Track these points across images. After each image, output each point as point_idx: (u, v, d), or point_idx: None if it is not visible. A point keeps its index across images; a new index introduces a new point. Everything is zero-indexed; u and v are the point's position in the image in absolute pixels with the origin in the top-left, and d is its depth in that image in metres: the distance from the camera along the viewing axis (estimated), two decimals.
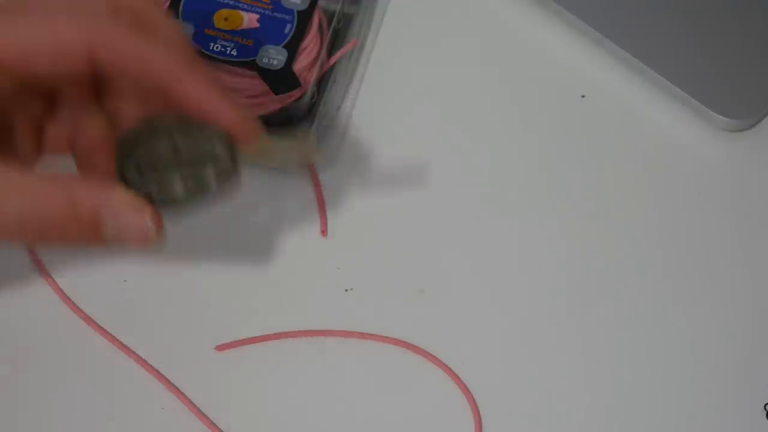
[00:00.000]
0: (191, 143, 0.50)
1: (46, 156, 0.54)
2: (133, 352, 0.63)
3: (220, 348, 0.63)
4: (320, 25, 0.69)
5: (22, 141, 0.53)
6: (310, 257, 0.66)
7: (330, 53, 0.70)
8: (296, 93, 0.67)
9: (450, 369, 0.63)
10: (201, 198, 0.50)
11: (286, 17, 0.68)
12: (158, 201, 0.49)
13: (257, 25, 0.68)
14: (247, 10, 0.69)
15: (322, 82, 0.69)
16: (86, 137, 0.54)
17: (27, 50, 0.49)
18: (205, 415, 0.61)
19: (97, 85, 0.53)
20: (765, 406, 0.62)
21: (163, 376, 0.62)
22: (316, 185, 0.68)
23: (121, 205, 0.49)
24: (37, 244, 0.50)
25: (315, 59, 0.68)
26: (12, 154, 0.53)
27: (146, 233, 0.50)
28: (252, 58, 0.67)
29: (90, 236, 0.49)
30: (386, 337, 0.64)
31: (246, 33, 0.68)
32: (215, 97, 0.51)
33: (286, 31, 0.68)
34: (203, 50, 0.67)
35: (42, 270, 0.65)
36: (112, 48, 0.49)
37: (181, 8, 0.68)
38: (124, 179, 0.49)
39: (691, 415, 0.62)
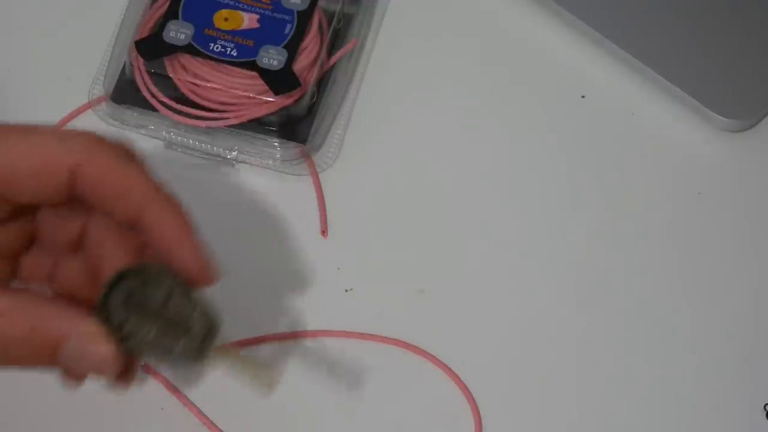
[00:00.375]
0: (180, 305, 0.50)
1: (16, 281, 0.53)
2: None
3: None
4: (320, 25, 0.69)
5: None
6: (310, 257, 0.66)
7: (330, 53, 0.70)
8: (296, 93, 0.67)
9: (450, 369, 0.63)
10: (160, 357, 0.50)
11: (286, 17, 0.68)
12: (125, 334, 0.49)
13: (257, 25, 0.68)
14: (247, 10, 0.69)
15: (322, 82, 0.69)
16: (64, 277, 0.53)
17: (12, 166, 0.49)
18: (205, 416, 0.61)
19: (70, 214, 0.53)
20: (765, 406, 0.62)
21: (163, 376, 0.62)
22: (316, 185, 0.68)
23: (86, 336, 0.48)
24: None
25: (315, 59, 0.68)
26: None
27: (103, 364, 0.49)
28: (252, 58, 0.67)
29: (45, 360, 0.49)
30: (386, 337, 0.64)
31: (246, 33, 0.68)
32: (184, 236, 0.51)
33: (286, 31, 0.68)
34: (203, 50, 0.67)
35: None
36: (96, 170, 0.49)
37: (181, 8, 0.68)
38: (106, 298, 0.49)
39: (691, 414, 0.62)
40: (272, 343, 0.63)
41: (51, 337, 0.48)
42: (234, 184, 0.68)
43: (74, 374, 0.50)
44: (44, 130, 0.50)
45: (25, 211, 0.52)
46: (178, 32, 0.67)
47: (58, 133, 0.50)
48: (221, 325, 0.50)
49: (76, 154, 0.49)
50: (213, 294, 0.65)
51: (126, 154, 0.50)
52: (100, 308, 0.49)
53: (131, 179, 0.50)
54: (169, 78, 0.67)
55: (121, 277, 0.49)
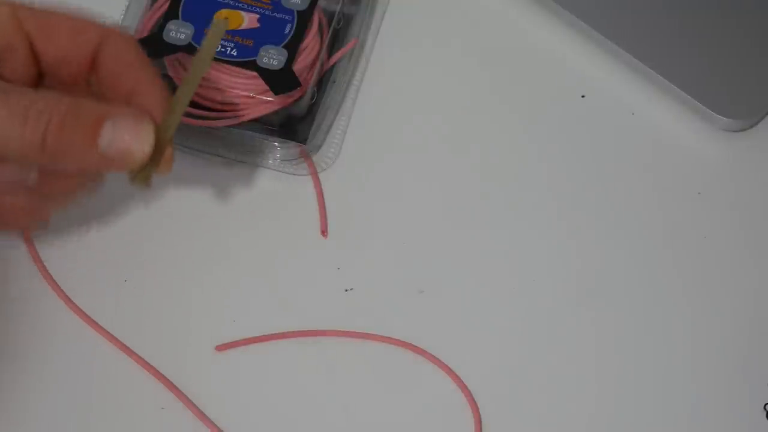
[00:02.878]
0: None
1: None
2: (133, 352, 0.63)
3: (220, 348, 0.63)
4: (320, 25, 0.69)
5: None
6: (310, 257, 0.66)
7: (330, 53, 0.70)
8: (296, 93, 0.67)
9: (450, 369, 0.63)
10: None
11: (286, 17, 0.68)
12: None
13: (257, 25, 0.68)
14: (247, 10, 0.69)
15: (322, 82, 0.69)
16: None
17: (54, 21, 0.57)
18: (205, 415, 0.61)
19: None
20: (765, 406, 0.62)
21: (163, 376, 0.62)
22: (316, 185, 0.68)
23: (128, 113, 0.55)
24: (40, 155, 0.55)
25: (315, 59, 0.68)
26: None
27: (135, 150, 0.55)
28: (252, 58, 0.67)
29: (87, 142, 0.54)
30: (386, 337, 0.64)
31: (246, 33, 0.68)
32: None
33: (286, 31, 0.68)
34: None
35: (42, 270, 0.65)
36: (116, 48, 0.57)
37: (181, 8, 0.68)
38: None
39: (691, 414, 0.62)
40: (272, 343, 0.63)
41: (96, 112, 0.54)
42: (234, 184, 0.68)
43: (110, 158, 0.54)
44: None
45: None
46: (178, 32, 0.67)
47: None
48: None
49: (104, 29, 0.57)
50: (213, 294, 0.65)
51: (135, 44, 0.58)
52: None
53: (142, 64, 0.57)
54: (169, 78, 0.67)
55: None
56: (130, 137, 0.54)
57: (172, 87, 0.67)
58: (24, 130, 0.53)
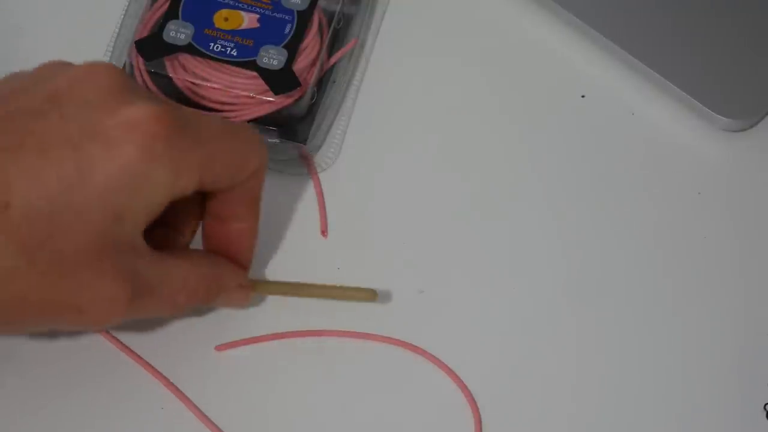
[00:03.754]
0: None
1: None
2: (133, 352, 0.63)
3: (220, 348, 0.63)
4: (320, 25, 0.69)
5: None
6: (310, 257, 0.66)
7: (330, 53, 0.70)
8: (296, 93, 0.67)
9: (450, 369, 0.63)
10: None
11: (286, 17, 0.68)
12: None
13: (257, 25, 0.68)
14: (247, 10, 0.69)
15: (322, 82, 0.69)
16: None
17: (223, 159, 0.58)
18: (205, 415, 0.61)
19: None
20: (765, 406, 0.62)
21: (163, 376, 0.62)
22: (316, 185, 0.68)
23: (241, 288, 0.62)
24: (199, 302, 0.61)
25: (315, 59, 0.68)
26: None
27: (243, 304, 0.63)
28: (252, 58, 0.67)
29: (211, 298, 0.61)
30: (386, 337, 0.64)
31: (246, 33, 0.68)
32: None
33: (286, 31, 0.68)
34: (203, 50, 0.67)
35: None
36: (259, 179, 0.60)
37: (181, 8, 0.68)
38: None
39: (690, 414, 0.62)
40: (272, 343, 0.63)
41: (223, 285, 0.61)
42: None
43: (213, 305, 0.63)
44: (245, 128, 0.60)
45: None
46: (178, 32, 0.67)
47: (256, 135, 0.60)
48: None
49: (261, 160, 0.59)
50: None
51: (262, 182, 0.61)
52: None
53: (256, 205, 0.61)
54: (169, 78, 0.67)
55: None
56: (236, 303, 0.63)
57: (173, 87, 0.67)
58: (170, 312, 0.60)
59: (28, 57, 0.73)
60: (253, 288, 0.63)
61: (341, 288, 0.63)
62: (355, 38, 0.71)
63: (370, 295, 0.63)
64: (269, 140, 0.67)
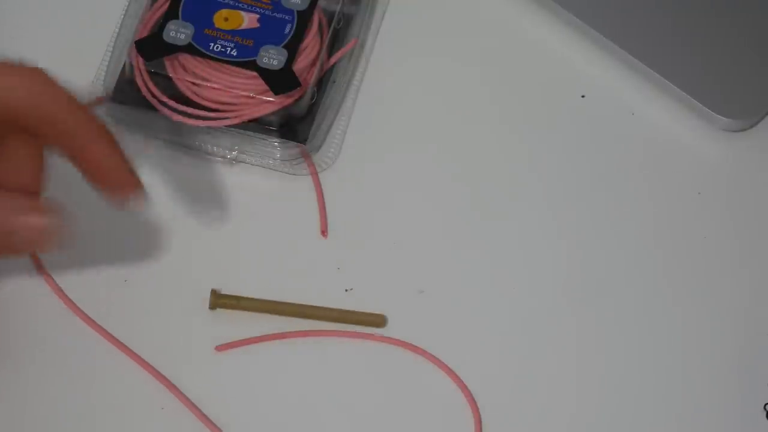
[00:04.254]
0: None
1: None
2: (133, 352, 0.63)
3: (220, 348, 0.63)
4: (320, 25, 0.69)
5: None
6: (310, 257, 0.66)
7: (330, 53, 0.70)
8: (296, 93, 0.67)
9: (450, 369, 0.63)
10: None
11: (286, 17, 0.68)
12: None
13: (257, 25, 0.68)
14: (247, 10, 0.69)
15: (322, 82, 0.69)
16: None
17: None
18: (205, 415, 0.61)
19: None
20: (765, 406, 0.62)
21: (163, 376, 0.62)
22: (316, 185, 0.68)
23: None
24: None
25: (315, 59, 0.68)
26: None
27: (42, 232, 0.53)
28: (252, 58, 0.67)
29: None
30: (386, 337, 0.64)
31: (246, 33, 0.68)
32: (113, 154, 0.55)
33: (286, 31, 0.68)
34: (203, 50, 0.67)
35: (42, 270, 0.65)
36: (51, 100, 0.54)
37: (181, 8, 0.68)
38: None
39: (691, 414, 0.62)
40: (272, 343, 0.63)
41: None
42: (234, 184, 0.68)
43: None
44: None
45: None
46: (178, 32, 0.67)
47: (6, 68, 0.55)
48: None
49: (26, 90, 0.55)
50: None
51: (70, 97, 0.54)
52: None
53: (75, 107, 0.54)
54: (169, 78, 0.67)
55: None
56: (34, 235, 0.53)
57: (173, 87, 0.67)
58: None
59: (28, 57, 0.73)
60: (258, 308, 0.62)
61: (351, 312, 0.63)
62: (355, 38, 0.71)
63: (379, 320, 0.63)
64: (269, 140, 0.67)
